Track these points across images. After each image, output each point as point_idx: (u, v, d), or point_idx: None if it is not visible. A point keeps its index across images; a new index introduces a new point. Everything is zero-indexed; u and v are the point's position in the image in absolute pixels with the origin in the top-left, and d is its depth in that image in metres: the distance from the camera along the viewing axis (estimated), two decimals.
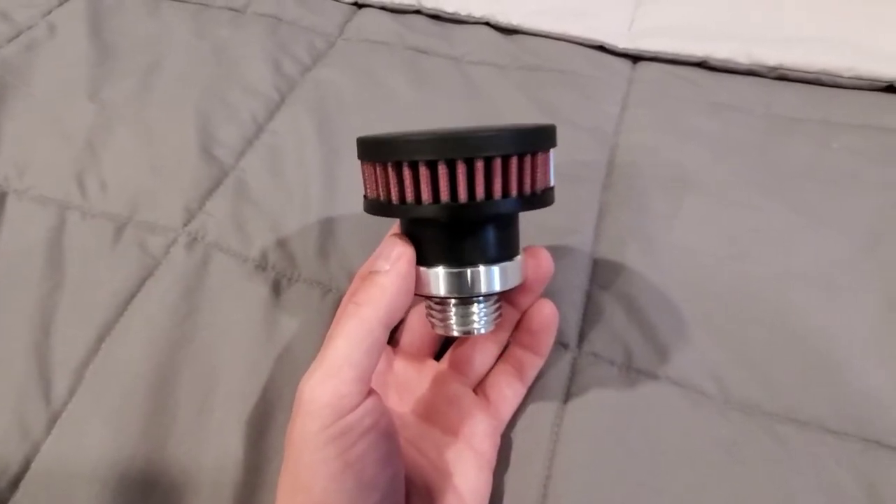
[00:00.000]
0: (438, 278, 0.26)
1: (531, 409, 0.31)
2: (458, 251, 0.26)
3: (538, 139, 0.25)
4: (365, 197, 0.27)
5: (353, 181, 0.27)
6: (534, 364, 0.31)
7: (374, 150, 0.25)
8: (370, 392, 0.24)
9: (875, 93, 0.47)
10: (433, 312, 0.28)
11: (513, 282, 0.27)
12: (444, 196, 0.24)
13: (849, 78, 0.47)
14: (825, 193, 0.40)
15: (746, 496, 0.29)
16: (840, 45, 0.48)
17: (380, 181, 0.26)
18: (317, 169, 0.42)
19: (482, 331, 0.27)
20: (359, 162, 0.27)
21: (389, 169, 0.25)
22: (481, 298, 0.27)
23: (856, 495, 0.28)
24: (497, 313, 0.28)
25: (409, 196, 0.24)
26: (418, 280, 0.26)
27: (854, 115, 0.45)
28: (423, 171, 0.24)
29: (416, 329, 0.32)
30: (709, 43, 0.49)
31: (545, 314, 0.30)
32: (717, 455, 0.30)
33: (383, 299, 0.24)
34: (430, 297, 0.28)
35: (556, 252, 0.36)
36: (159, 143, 0.43)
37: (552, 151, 0.27)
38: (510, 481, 0.30)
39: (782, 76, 0.48)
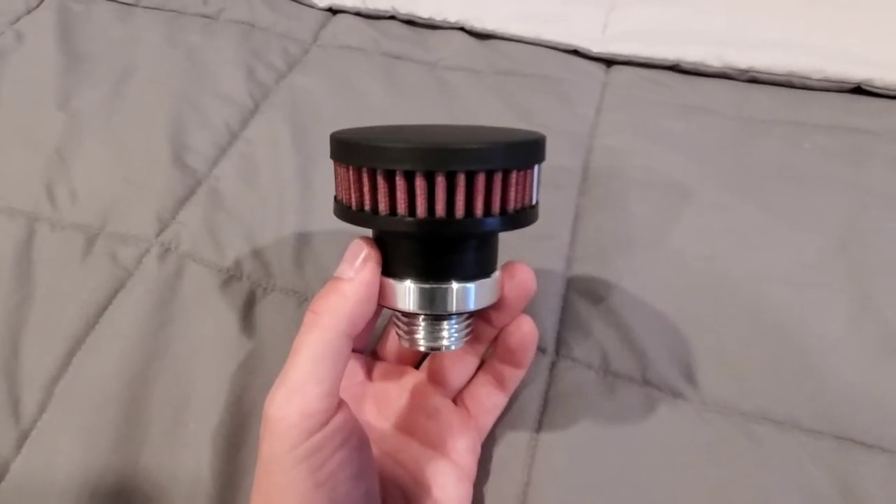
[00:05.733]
0: (408, 293, 0.24)
1: (509, 415, 0.31)
2: (432, 266, 0.24)
3: (527, 154, 0.24)
4: (336, 199, 0.26)
5: (329, 189, 0.27)
6: (514, 376, 0.30)
7: (349, 152, 0.23)
8: (339, 406, 0.23)
9: (844, 94, 0.48)
10: (399, 324, 0.27)
11: (488, 300, 0.26)
12: (421, 210, 0.22)
13: (818, 80, 0.47)
14: (797, 193, 0.40)
15: (724, 498, 0.29)
16: (809, 47, 0.48)
17: (353, 186, 0.24)
18: (292, 176, 0.41)
19: (451, 348, 0.26)
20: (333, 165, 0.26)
21: (364, 174, 0.23)
22: (452, 316, 0.25)
23: (830, 493, 0.29)
24: (468, 329, 0.26)
25: (383, 207, 0.23)
26: (386, 292, 0.25)
27: (824, 117, 0.46)
28: (400, 182, 0.22)
29: (396, 339, 0.31)
30: (681, 46, 0.50)
31: (523, 332, 0.28)
32: (696, 457, 0.30)
33: (344, 308, 0.23)
34: (397, 311, 0.26)
35: (533, 257, 0.36)
36: (131, 152, 0.42)
37: (538, 166, 0.25)
38: (489, 490, 0.30)
39: (753, 79, 0.49)
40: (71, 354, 0.33)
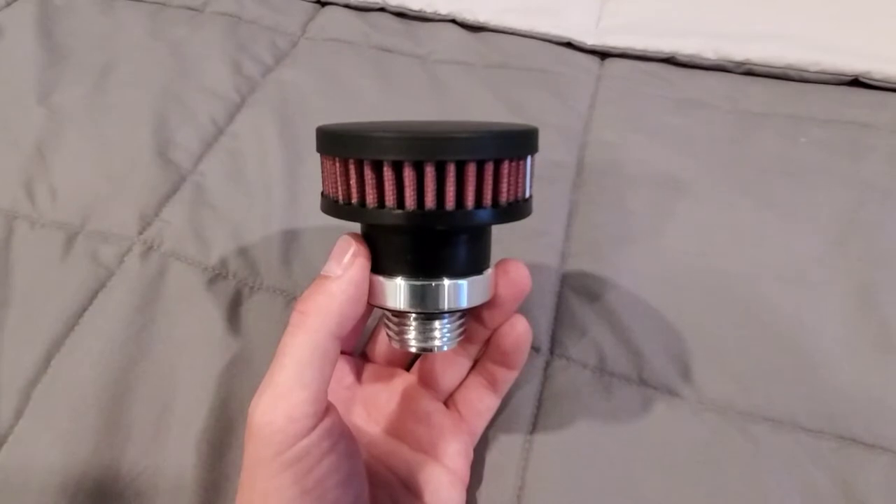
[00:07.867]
0: (398, 290, 0.23)
1: (502, 417, 0.30)
2: (423, 262, 0.23)
3: (519, 144, 0.23)
4: (323, 194, 0.25)
5: (317, 185, 0.26)
6: (508, 377, 0.29)
7: (335, 144, 0.23)
8: (327, 410, 0.23)
9: (841, 87, 0.47)
10: (390, 325, 0.26)
11: (481, 298, 0.25)
12: (410, 202, 0.22)
13: (815, 72, 0.47)
14: (795, 188, 0.40)
15: (722, 499, 0.28)
16: (806, 39, 0.48)
17: (340, 179, 0.23)
18: (279, 172, 0.40)
19: (443, 348, 0.25)
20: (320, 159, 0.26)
21: (351, 167, 0.22)
22: (445, 315, 0.24)
23: (831, 494, 0.28)
24: (460, 329, 0.26)
25: (371, 199, 0.22)
26: (376, 290, 0.24)
27: (821, 110, 0.45)
28: (388, 173, 0.21)
29: (387, 340, 0.30)
30: (676, 39, 0.49)
31: (517, 333, 0.27)
32: (692, 458, 0.29)
33: (331, 308, 0.22)
34: (387, 309, 0.25)
35: (526, 253, 0.35)
36: (113, 148, 0.41)
37: (531, 157, 0.25)
38: (482, 494, 0.29)
39: (749, 71, 0.48)
40: (49, 357, 0.32)
